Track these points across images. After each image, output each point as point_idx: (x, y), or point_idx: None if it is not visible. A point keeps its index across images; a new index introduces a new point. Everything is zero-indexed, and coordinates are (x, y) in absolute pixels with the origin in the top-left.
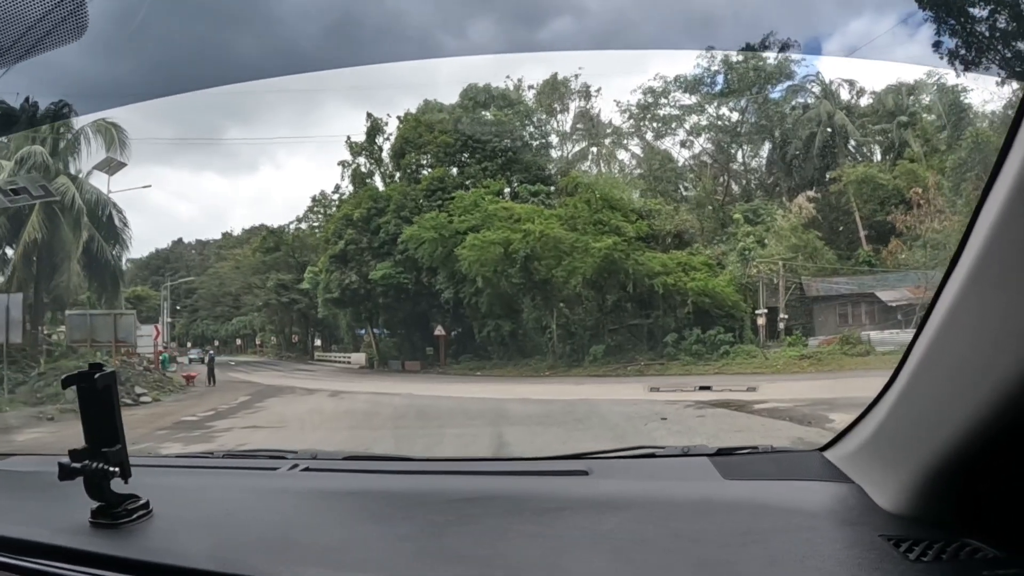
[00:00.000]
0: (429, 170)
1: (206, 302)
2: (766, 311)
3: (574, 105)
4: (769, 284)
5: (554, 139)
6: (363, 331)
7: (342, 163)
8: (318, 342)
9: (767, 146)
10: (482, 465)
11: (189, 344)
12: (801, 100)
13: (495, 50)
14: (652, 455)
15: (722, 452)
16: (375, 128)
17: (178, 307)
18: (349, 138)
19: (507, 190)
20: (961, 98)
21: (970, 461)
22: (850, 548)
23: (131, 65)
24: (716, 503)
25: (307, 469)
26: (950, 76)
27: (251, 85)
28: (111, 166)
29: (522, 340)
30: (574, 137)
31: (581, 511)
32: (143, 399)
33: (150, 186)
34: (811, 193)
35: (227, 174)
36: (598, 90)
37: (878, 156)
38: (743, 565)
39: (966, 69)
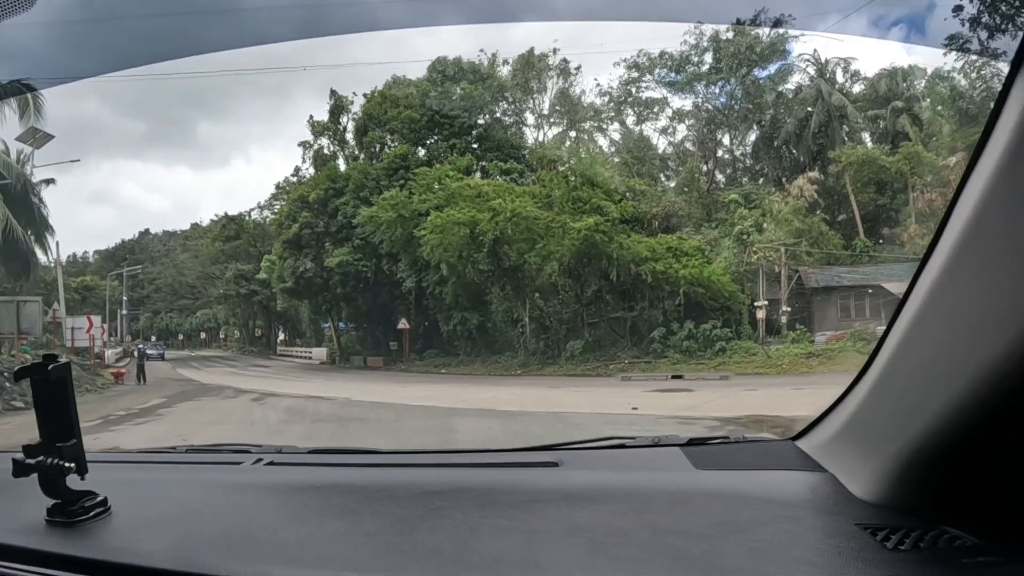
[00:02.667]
0: (394, 148)
1: (164, 293)
2: (766, 303)
3: (552, 83)
4: (770, 273)
5: (529, 117)
6: (327, 324)
7: (303, 144)
8: (283, 336)
9: (757, 129)
10: (450, 457)
11: (154, 338)
12: (795, 80)
13: (467, 42)
14: (623, 446)
15: (694, 442)
16: (339, 106)
17: (124, 297)
18: (312, 117)
19: (478, 174)
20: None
21: (946, 449)
22: (829, 538)
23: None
24: (690, 493)
25: (271, 463)
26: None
27: (223, 79)
28: (36, 138)
29: (491, 334)
30: (551, 119)
31: (554, 503)
32: (15, 403)
33: (79, 160)
34: (813, 174)
35: (199, 168)
36: (577, 68)
37: (869, 143)
38: (724, 557)
39: (952, 49)
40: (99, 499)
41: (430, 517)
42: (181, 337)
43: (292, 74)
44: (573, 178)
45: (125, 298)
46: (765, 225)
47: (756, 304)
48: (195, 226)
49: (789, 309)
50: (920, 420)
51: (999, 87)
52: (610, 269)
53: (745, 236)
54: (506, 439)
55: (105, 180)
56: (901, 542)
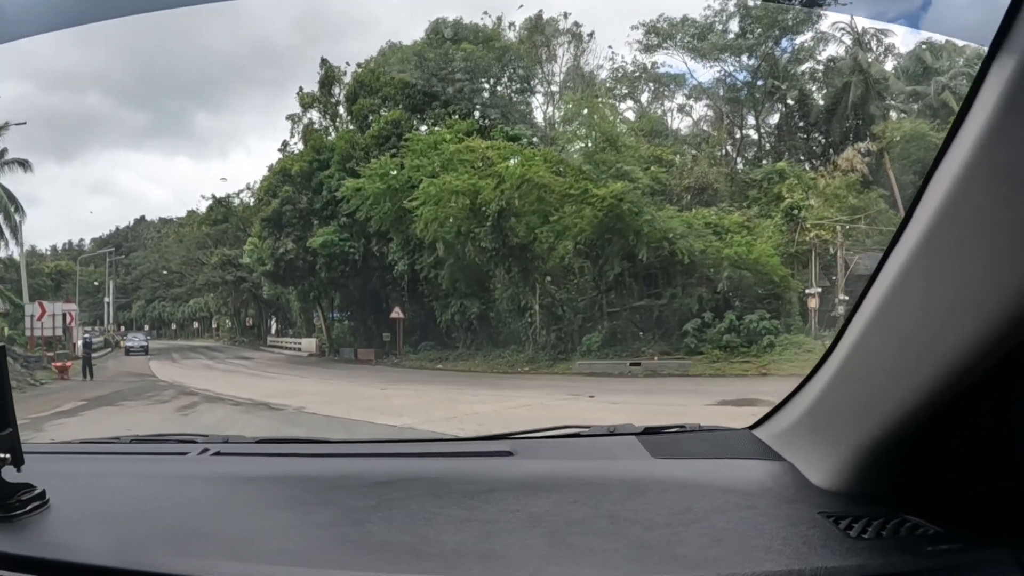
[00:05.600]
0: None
1: (150, 280)
2: (819, 290)
3: (563, 51)
4: (824, 255)
5: (538, 89)
6: (317, 313)
7: (291, 117)
8: (277, 326)
9: (783, 105)
10: (402, 447)
11: (147, 327)
12: (830, 51)
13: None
14: (577, 435)
15: (649, 431)
16: (330, 77)
17: (102, 284)
18: (301, 89)
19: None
20: None
21: (907, 437)
22: (792, 526)
23: None
24: (648, 483)
25: (218, 453)
26: None
27: (222, 74)
28: None
29: (494, 325)
30: (562, 94)
31: (509, 493)
32: None
33: (25, 123)
34: (864, 145)
35: (198, 158)
36: (591, 34)
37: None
38: (686, 545)
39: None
40: (36, 492)
41: (383, 508)
42: (174, 326)
43: (289, 68)
44: (594, 139)
45: (105, 284)
46: (812, 202)
47: (808, 292)
48: (191, 213)
49: (847, 297)
50: (881, 408)
51: None
52: (638, 248)
53: (796, 211)
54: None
55: (105, 171)
56: (864, 530)
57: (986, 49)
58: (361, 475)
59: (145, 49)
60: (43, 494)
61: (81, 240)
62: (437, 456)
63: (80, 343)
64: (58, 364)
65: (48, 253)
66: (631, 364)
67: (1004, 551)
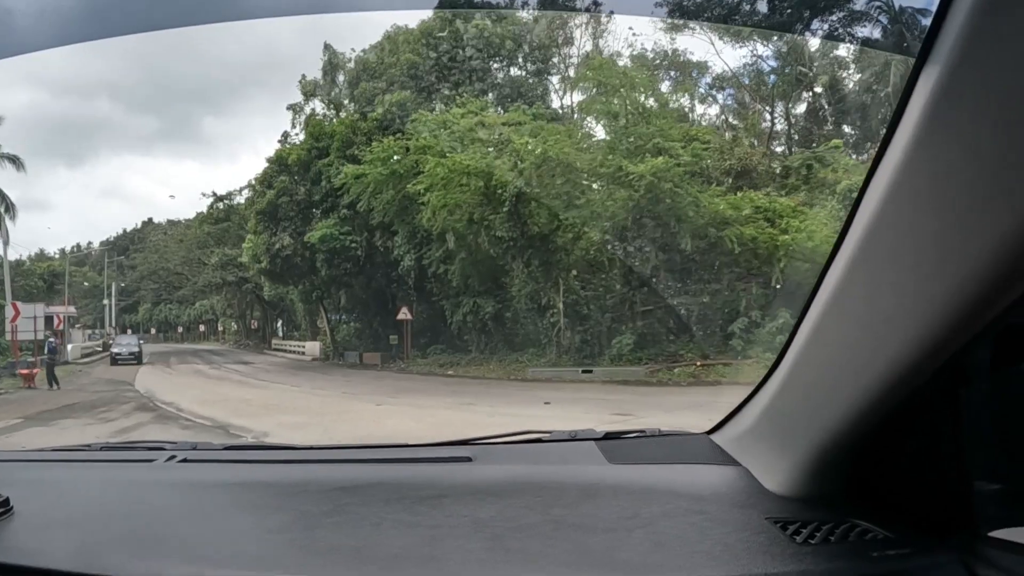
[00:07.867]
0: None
1: (150, 282)
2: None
3: (580, 32)
4: None
5: (554, 69)
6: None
7: (292, 107)
8: (285, 328)
9: (821, 86)
10: (364, 453)
11: (154, 330)
12: (865, 30)
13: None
14: (539, 440)
15: (609, 436)
16: (333, 64)
17: (86, 284)
18: (304, 76)
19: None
20: None
21: (857, 442)
22: (738, 531)
23: None
24: (601, 488)
25: (185, 460)
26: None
27: (230, 79)
28: None
29: (510, 326)
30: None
31: (461, 498)
32: None
33: None
34: None
35: (207, 162)
36: (610, 15)
37: None
38: (627, 550)
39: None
40: (0, 500)
41: (335, 513)
42: (180, 329)
43: (296, 72)
44: (627, 109)
45: (104, 285)
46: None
47: None
48: (199, 214)
49: None
50: (830, 413)
51: None
52: (679, 235)
53: (854, 194)
54: None
55: (115, 175)
56: (812, 535)
57: (912, 63)
58: (321, 481)
59: (152, 55)
60: (7, 501)
61: (89, 243)
62: (397, 462)
63: (69, 347)
64: (24, 371)
65: (56, 256)
66: (583, 371)
67: (951, 555)
